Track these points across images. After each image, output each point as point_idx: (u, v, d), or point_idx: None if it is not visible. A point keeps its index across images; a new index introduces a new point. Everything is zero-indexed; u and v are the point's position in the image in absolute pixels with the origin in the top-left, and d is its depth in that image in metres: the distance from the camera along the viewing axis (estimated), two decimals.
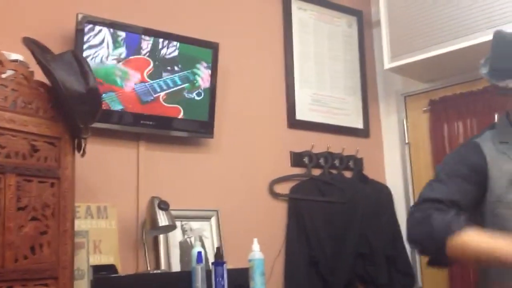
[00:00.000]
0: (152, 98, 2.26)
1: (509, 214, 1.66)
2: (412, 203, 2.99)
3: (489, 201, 1.69)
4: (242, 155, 2.59)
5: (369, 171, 3.03)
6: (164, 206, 2.09)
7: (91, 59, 2.10)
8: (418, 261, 2.95)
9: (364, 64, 3.17)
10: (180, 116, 2.33)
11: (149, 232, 2.16)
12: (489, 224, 1.70)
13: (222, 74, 2.49)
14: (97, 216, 2.10)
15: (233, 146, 2.56)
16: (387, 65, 2.80)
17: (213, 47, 2.41)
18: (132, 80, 2.21)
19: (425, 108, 3.00)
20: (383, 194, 3.00)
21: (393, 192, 3.04)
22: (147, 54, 2.26)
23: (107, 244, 2.08)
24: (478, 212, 1.72)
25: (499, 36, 1.68)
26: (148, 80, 2.25)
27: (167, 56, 2.31)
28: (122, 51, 2.19)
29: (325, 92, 2.98)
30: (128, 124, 2.20)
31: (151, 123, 2.25)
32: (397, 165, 3.12)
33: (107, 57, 2.15)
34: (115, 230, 2.12)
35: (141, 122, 2.23)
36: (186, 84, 2.35)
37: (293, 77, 2.86)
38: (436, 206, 1.63)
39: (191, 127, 2.37)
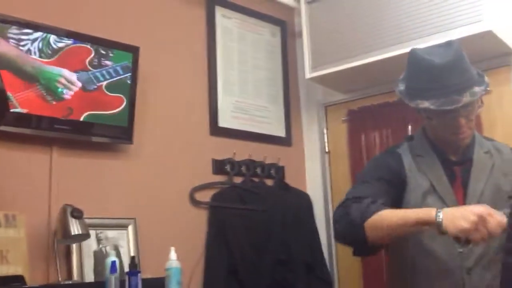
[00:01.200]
0: (95, 87, 2.22)
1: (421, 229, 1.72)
2: (331, 210, 3.05)
3: None
4: (162, 162, 2.54)
5: (290, 179, 3.06)
6: (77, 214, 2.01)
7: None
8: (335, 268, 3.01)
9: (287, 73, 3.21)
10: (123, 106, 2.30)
11: (61, 241, 2.07)
12: (406, 236, 1.76)
13: (143, 79, 2.44)
14: (5, 225, 1.99)
15: (153, 153, 2.51)
16: (308, 75, 2.85)
17: (133, 51, 2.36)
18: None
19: (344, 118, 3.08)
20: (303, 201, 3.04)
21: (313, 199, 3.09)
22: None
23: (15, 254, 1.97)
24: None
25: (411, 56, 1.75)
26: (91, 68, 2.23)
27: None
28: (40, 52, 2.11)
29: (248, 100, 2.99)
30: (41, 129, 2.11)
31: (66, 127, 2.16)
32: (317, 174, 3.17)
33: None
34: (24, 239, 2.01)
35: (55, 126, 2.14)
36: (128, 74, 2.33)
37: (216, 84, 2.85)
38: (355, 201, 1.68)
39: (108, 132, 2.30)
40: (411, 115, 2.71)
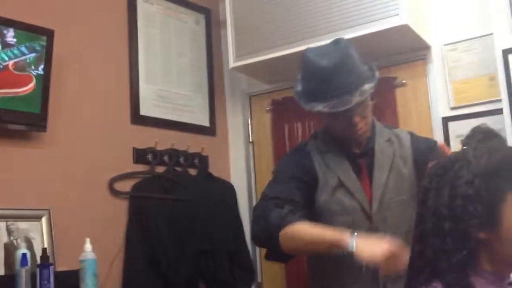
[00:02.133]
0: (1, 66, 2.11)
1: (332, 221, 1.76)
2: (254, 200, 3.07)
3: (316, 207, 1.80)
4: (79, 151, 2.44)
5: (214, 169, 3.05)
6: None
7: None
8: (258, 257, 3.03)
9: (211, 62, 3.18)
10: (32, 84, 2.18)
11: None
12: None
13: (58, 64, 2.33)
14: None
15: (70, 141, 2.41)
16: (232, 64, 2.83)
17: (48, 34, 2.25)
18: None
19: (268, 108, 3.09)
20: (227, 191, 3.04)
21: (237, 189, 3.09)
22: None
23: None
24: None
25: (303, 58, 1.75)
26: None
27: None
28: None
29: (172, 88, 2.94)
30: None
31: None
32: (242, 163, 3.18)
33: None
34: None
35: None
36: (33, 54, 2.21)
37: (138, 72, 2.77)
38: (275, 202, 1.72)
39: (20, 119, 2.18)
40: None
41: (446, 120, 2.56)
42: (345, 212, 1.76)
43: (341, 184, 1.78)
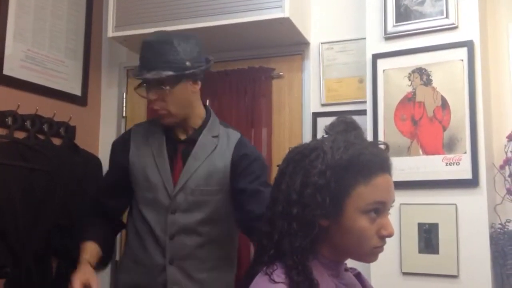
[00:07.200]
0: None
1: (139, 197, 1.93)
2: None
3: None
4: None
5: (81, 141, 2.91)
6: None
7: None
8: (118, 236, 2.94)
9: (90, 29, 3.03)
10: None
11: None
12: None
13: None
14: None
15: None
16: (111, 33, 2.71)
17: None
18: None
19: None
20: (92, 165, 2.91)
21: (104, 164, 2.96)
22: None
23: None
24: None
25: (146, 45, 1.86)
26: None
27: None
28: None
29: (43, 51, 2.75)
30: None
31: None
32: (112, 137, 3.02)
33: None
34: None
35: None
36: None
37: (6, 28, 2.56)
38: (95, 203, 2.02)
39: None
40: (210, 88, 2.75)
41: (315, 115, 2.65)
42: (149, 188, 1.88)
43: (153, 163, 1.88)
